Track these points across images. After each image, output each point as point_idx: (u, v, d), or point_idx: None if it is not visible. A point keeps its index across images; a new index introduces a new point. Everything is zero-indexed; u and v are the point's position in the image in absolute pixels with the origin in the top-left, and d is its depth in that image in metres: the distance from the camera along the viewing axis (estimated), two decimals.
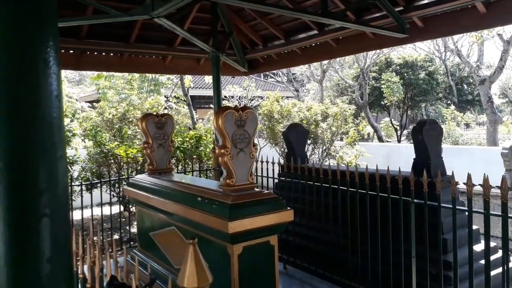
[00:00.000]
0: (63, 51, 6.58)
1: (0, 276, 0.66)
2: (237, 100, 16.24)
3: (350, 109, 8.89)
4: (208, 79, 14.59)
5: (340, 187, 3.85)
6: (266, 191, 3.12)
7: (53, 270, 0.70)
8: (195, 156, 7.53)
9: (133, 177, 4.78)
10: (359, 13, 5.78)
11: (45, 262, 0.69)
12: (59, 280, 0.71)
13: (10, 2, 0.68)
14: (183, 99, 14.94)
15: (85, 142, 9.36)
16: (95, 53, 6.92)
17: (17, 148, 0.68)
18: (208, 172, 7.01)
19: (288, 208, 2.97)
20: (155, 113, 4.45)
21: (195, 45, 6.66)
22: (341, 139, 9.75)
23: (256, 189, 3.09)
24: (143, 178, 4.18)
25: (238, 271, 2.76)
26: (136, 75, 15.21)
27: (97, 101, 15.30)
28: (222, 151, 3.01)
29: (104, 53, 7.02)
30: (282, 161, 5.35)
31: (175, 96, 15.31)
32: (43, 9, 0.71)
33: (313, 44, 6.87)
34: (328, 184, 3.96)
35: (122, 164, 7.57)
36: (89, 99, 19.72)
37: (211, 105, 17.26)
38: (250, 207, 2.83)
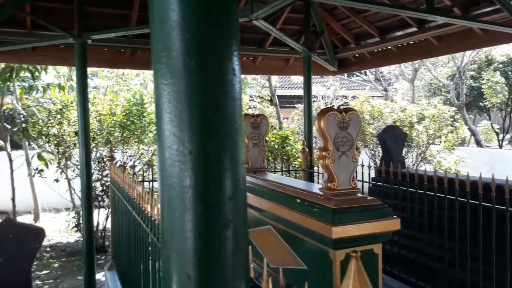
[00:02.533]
0: None
1: (192, 283, 0.68)
2: (321, 99, 16.03)
3: (449, 111, 8.24)
4: (294, 79, 14.60)
5: (447, 196, 3.57)
6: (370, 197, 3.00)
7: (235, 274, 0.71)
8: (284, 156, 7.58)
9: None
10: (466, 7, 5.32)
11: (229, 267, 0.70)
12: (239, 284, 0.72)
13: (203, 12, 0.70)
14: (267, 98, 15.15)
15: None
16: None
17: (208, 156, 0.70)
18: (296, 172, 6.99)
19: (395, 216, 2.82)
20: (251, 113, 4.54)
21: (285, 46, 6.68)
22: (433, 142, 9.09)
23: (359, 195, 2.98)
24: None
25: (341, 278, 2.69)
26: None
27: None
28: (324, 153, 2.95)
29: None
30: (373, 164, 5.13)
31: (259, 96, 15.57)
32: (230, 19, 0.73)
33: (411, 42, 6.50)
34: (433, 192, 3.69)
35: None
36: None
37: (295, 105, 17.27)
38: (354, 213, 2.74)
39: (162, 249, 0.73)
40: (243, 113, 5.15)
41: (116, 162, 7.82)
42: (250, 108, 13.11)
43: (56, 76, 8.52)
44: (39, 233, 3.70)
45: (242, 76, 15.31)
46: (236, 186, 0.72)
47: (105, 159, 7.18)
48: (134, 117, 7.51)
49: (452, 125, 8.69)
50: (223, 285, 0.70)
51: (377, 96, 16.96)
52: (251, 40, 7.24)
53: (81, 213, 7.89)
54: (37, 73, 7.21)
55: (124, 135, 7.64)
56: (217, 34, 0.71)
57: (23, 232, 3.52)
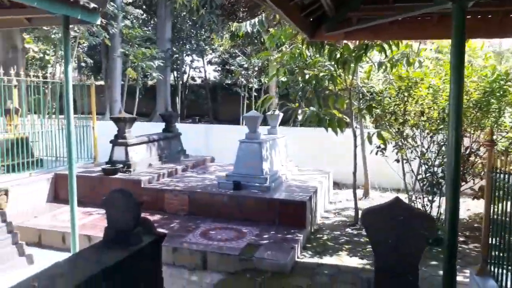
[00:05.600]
0: None
1: None
2: None
3: None
4: None
5: None
6: None
7: None
8: None
9: None
10: None
11: None
12: None
13: None
14: None
15: None
16: None
17: None
18: None
19: None
20: None
21: None
22: None
23: None
24: None
25: None
26: None
27: None
28: None
29: None
30: None
31: None
32: None
33: None
34: None
35: None
36: None
37: None
38: None
39: None
40: None
41: (467, 148, 6.90)
42: None
43: (380, 53, 8.06)
44: (430, 221, 3.33)
45: None
46: None
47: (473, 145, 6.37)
48: (493, 96, 6.30)
49: None
50: None
51: None
52: None
53: (412, 198, 7.49)
54: (389, 50, 7.11)
55: (475, 116, 6.59)
56: None
57: (412, 217, 3.23)
